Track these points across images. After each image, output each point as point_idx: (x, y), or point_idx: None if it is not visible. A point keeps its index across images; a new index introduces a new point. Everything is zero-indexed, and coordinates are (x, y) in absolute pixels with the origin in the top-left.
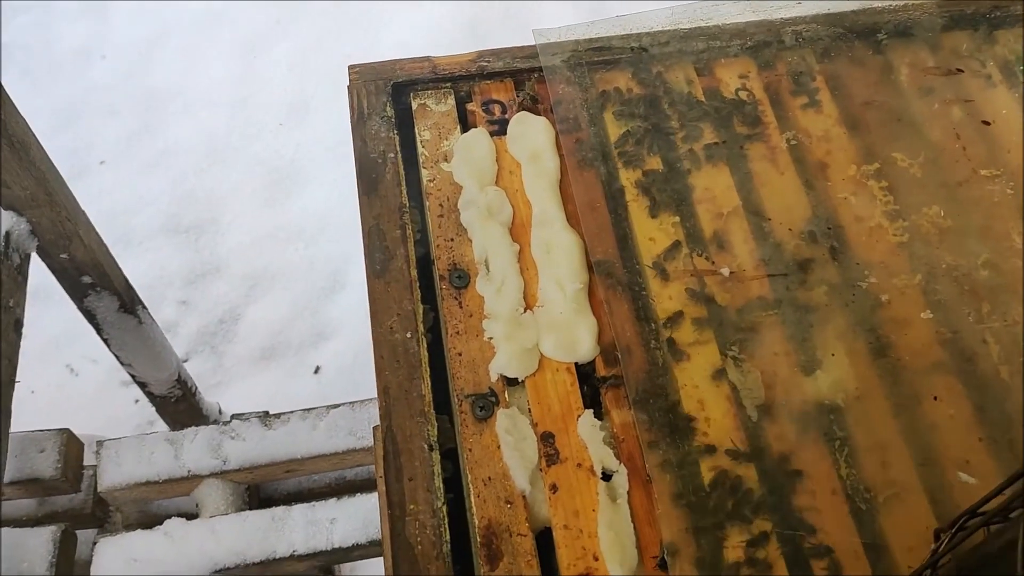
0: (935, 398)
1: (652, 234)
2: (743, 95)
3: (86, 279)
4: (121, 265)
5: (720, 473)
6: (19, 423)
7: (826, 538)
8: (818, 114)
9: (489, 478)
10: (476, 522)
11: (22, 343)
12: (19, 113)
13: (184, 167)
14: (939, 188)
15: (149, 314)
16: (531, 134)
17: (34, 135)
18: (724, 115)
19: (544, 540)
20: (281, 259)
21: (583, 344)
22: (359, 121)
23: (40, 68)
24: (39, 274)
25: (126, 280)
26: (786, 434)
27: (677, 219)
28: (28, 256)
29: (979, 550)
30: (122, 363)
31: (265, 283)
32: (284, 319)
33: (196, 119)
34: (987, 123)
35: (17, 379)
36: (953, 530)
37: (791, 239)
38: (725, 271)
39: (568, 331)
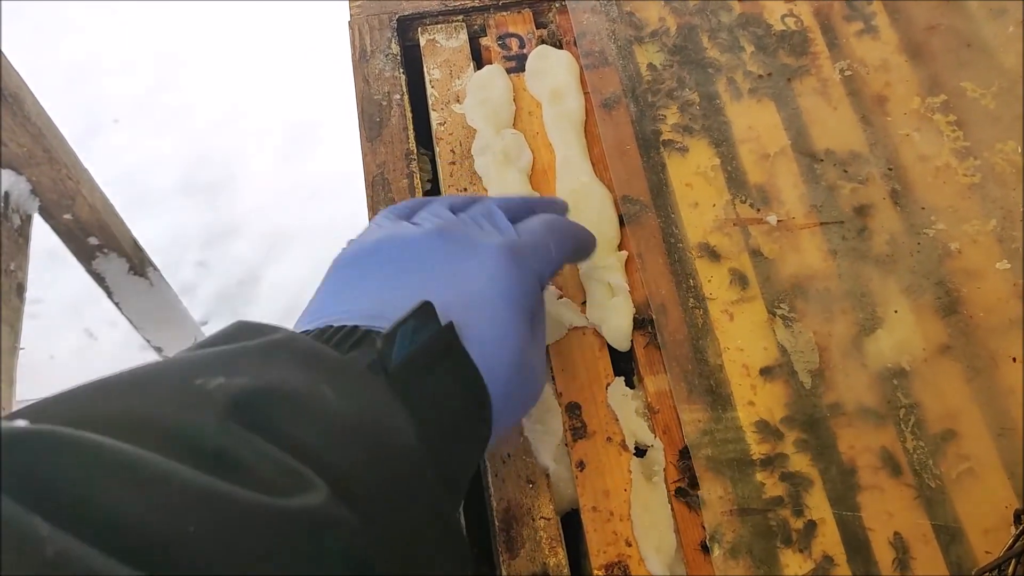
0: (1014, 359)
1: (689, 179)
2: (790, 22)
3: (92, 240)
4: (138, 226)
5: (769, 448)
6: (39, 390)
7: (891, 521)
8: (875, 41)
9: (508, 455)
10: (494, 504)
11: (40, 308)
12: (12, 66)
13: (200, 124)
14: (1015, 121)
15: (161, 276)
16: (552, 70)
17: (29, 89)
18: (769, 45)
19: (570, 524)
20: (300, 218)
21: (621, 329)
22: (361, 60)
23: (52, 24)
24: (55, 236)
25: (135, 240)
26: (844, 403)
27: (717, 162)
28: (30, 217)
29: None
30: (136, 327)
31: (284, 243)
32: (305, 279)
33: (210, 75)
34: None
35: (22, 346)
36: None
37: (846, 182)
38: (772, 219)
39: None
